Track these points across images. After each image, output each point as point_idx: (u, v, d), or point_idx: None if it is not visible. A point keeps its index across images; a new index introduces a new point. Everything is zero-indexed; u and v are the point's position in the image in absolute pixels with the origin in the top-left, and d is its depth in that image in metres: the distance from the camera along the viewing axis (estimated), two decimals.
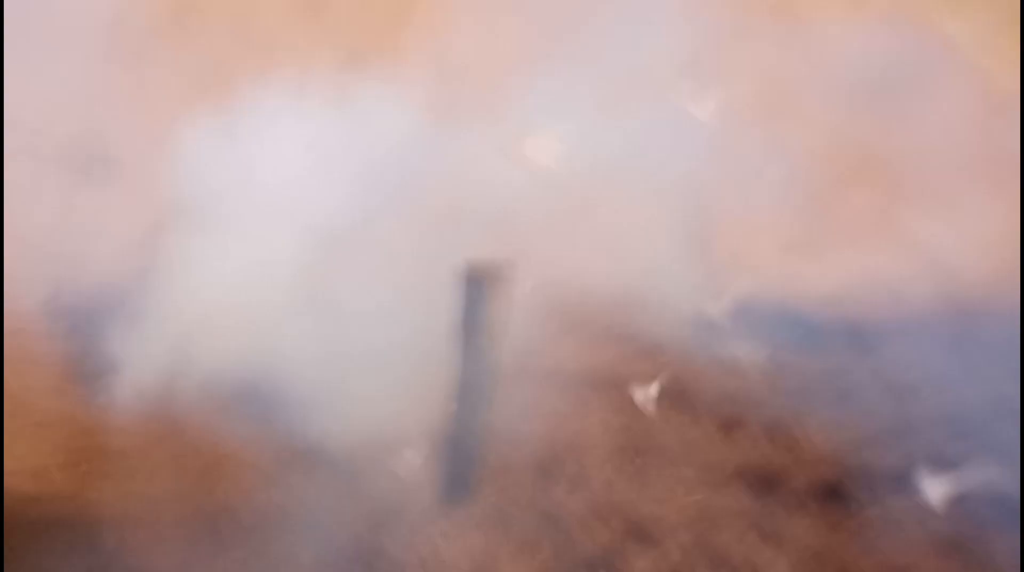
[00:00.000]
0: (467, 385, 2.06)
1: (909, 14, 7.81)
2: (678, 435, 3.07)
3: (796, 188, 7.43)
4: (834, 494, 2.51)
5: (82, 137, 4.55)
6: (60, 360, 3.35)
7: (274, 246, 3.44)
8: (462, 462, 2.12)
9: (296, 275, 3.35)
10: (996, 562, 2.17)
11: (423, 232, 3.65)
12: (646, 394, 3.63)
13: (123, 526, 2.02)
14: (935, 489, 2.60)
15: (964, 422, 3.29)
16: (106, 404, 2.97)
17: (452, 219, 3.81)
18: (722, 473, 2.69)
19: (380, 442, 2.76)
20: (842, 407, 3.54)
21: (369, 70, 4.47)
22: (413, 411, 3.14)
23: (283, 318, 3.25)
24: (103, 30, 4.54)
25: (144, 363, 3.10)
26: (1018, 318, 4.95)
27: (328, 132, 3.78)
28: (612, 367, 4.12)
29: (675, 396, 3.57)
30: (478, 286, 1.99)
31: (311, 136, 3.77)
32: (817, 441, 3.07)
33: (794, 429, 3.17)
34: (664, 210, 7.05)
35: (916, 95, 7.85)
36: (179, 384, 3.02)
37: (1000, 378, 3.86)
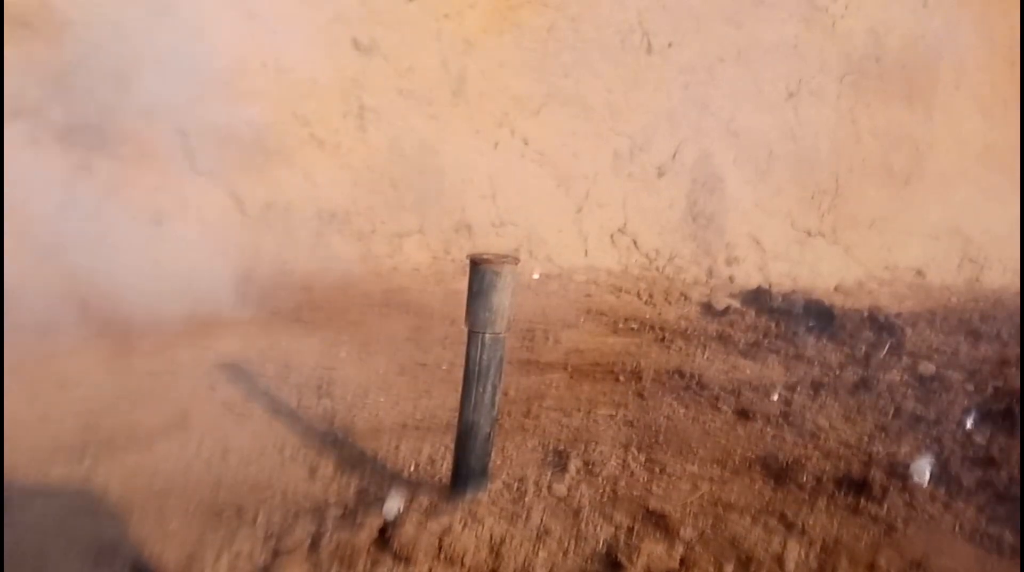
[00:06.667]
0: (477, 375, 2.03)
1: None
2: (695, 423, 3.04)
3: (814, 172, 7.33)
4: (853, 482, 2.47)
5: None
6: None
7: None
8: (475, 451, 2.10)
9: None
10: (1017, 551, 2.12)
11: None
12: (660, 382, 3.59)
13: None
14: (956, 478, 2.55)
15: (988, 410, 3.23)
16: None
17: None
18: (740, 461, 2.66)
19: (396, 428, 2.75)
20: (863, 395, 3.49)
21: None
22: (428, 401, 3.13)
23: None
24: None
25: None
26: None
27: None
28: (624, 355, 4.08)
29: (691, 384, 3.53)
30: (486, 275, 1.95)
31: None
32: (837, 429, 3.03)
33: (813, 417, 3.13)
34: (677, 195, 6.99)
35: (940, 79, 7.69)
36: None
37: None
